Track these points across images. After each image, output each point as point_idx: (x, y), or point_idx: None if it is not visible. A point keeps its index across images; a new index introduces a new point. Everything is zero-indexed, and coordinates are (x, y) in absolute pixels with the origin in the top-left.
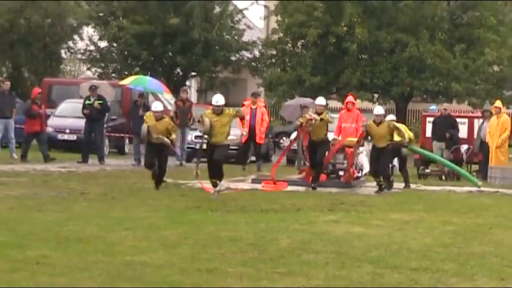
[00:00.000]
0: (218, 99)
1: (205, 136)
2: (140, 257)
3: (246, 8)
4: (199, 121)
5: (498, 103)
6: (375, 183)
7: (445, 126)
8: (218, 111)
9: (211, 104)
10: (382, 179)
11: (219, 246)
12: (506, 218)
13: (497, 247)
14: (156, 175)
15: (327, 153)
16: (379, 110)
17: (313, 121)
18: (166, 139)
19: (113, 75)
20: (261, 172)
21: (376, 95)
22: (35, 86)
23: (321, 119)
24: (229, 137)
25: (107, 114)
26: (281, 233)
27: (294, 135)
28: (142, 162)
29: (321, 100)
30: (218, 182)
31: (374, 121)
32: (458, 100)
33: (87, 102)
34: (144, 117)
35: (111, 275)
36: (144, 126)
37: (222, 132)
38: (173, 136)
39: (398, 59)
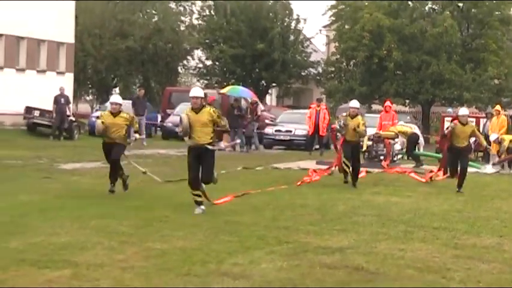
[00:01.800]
0: (195, 91)
1: (186, 139)
2: (235, 217)
3: (312, 37)
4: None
5: (498, 107)
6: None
7: None
8: (196, 106)
9: (287, 107)
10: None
11: (293, 210)
12: (503, 191)
13: (497, 212)
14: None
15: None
16: (464, 111)
17: (339, 127)
18: (133, 137)
19: (215, 85)
20: (322, 157)
21: (407, 101)
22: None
23: (348, 125)
24: (223, 143)
25: None
26: (338, 201)
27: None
28: (237, 148)
29: (354, 103)
30: (202, 194)
31: (460, 122)
32: (467, 105)
33: None
34: (100, 116)
35: (215, 230)
36: (98, 123)
37: (205, 133)
38: (136, 127)
39: (424, 74)
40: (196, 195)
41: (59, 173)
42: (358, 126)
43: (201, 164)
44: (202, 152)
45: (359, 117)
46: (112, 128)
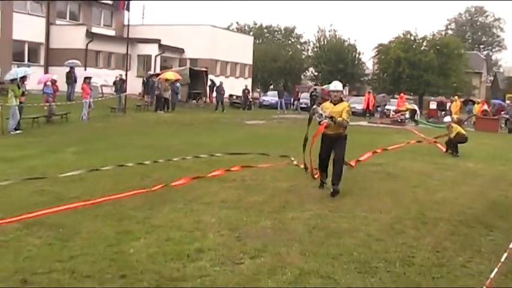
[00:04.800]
0: None
1: None
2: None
3: (367, 61)
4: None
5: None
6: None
7: None
8: None
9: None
10: None
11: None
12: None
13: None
14: None
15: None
16: None
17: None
18: None
19: (319, 83)
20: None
21: (411, 93)
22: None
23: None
24: None
25: None
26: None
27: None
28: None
29: (335, 84)
30: None
31: None
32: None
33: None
34: None
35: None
36: None
37: None
38: None
39: (421, 80)
40: None
41: (245, 125)
42: (340, 115)
43: None
44: None
45: (344, 103)
46: None
